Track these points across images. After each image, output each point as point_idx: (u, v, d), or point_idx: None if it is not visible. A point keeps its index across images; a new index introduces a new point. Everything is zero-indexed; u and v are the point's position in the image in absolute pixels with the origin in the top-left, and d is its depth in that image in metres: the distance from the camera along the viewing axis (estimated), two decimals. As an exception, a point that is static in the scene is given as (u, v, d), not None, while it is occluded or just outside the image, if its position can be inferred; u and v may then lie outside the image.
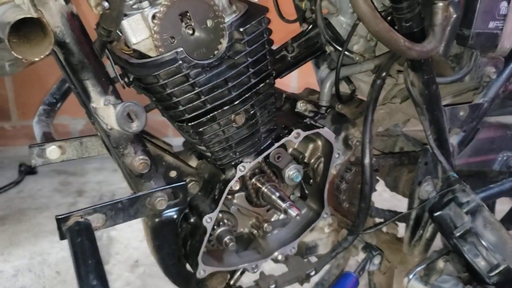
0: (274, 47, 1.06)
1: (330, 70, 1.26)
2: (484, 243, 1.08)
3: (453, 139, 1.25)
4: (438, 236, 1.33)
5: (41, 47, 0.76)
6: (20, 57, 0.74)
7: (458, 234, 1.11)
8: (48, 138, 1.20)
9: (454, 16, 1.03)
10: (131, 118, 0.86)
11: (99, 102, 0.86)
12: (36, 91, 2.96)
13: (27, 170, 2.88)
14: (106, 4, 0.76)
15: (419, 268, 1.20)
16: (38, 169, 2.91)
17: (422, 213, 1.27)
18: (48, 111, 1.33)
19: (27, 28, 0.75)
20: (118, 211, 0.93)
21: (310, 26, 1.22)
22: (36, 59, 0.76)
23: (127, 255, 2.22)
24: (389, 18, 1.07)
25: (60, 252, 2.24)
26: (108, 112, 0.85)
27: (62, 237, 0.89)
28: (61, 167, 2.94)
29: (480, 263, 1.08)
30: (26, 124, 3.07)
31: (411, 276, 1.19)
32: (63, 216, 0.89)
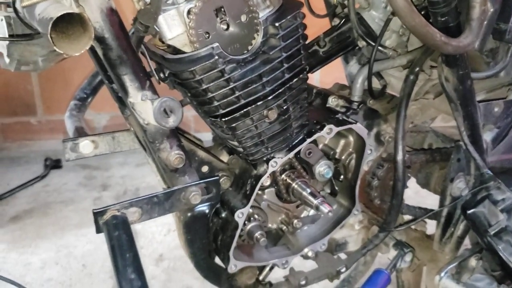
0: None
1: (361, 65, 1.25)
2: (520, 241, 1.07)
3: (487, 136, 1.23)
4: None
5: (81, 42, 0.77)
6: (61, 52, 0.74)
7: (493, 232, 1.09)
8: (80, 132, 1.21)
9: (491, 10, 1.01)
10: (167, 114, 0.86)
11: (137, 97, 0.86)
12: (61, 86, 3.00)
13: (53, 164, 2.93)
14: (147, -1, 0.77)
15: (451, 266, 1.19)
16: (63, 163, 2.95)
17: (453, 211, 1.25)
18: (79, 105, 1.34)
19: (66, 24, 0.76)
20: (154, 205, 0.94)
21: (342, 21, 1.20)
22: (76, 54, 0.77)
23: (152, 249, 2.25)
24: (423, 12, 1.06)
25: (86, 245, 2.27)
26: (145, 107, 0.86)
27: (98, 230, 0.90)
28: (86, 162, 2.97)
29: (516, 262, 1.07)
30: (51, 119, 3.12)
31: (442, 274, 1.18)
32: (100, 210, 0.90)
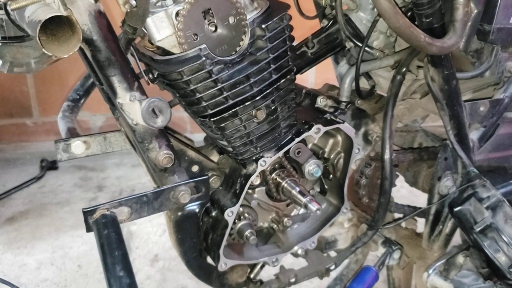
0: (294, 43, 1.07)
1: (349, 66, 1.27)
2: (505, 238, 1.08)
3: (473, 135, 1.25)
4: (457, 232, 1.33)
5: (69, 44, 0.78)
6: (50, 54, 0.76)
7: (479, 229, 1.11)
8: (72, 133, 1.22)
9: (475, 11, 1.03)
10: (156, 114, 0.87)
11: (125, 98, 0.87)
12: (56, 88, 3.01)
13: (49, 166, 2.94)
14: (133, 2, 0.78)
15: (439, 263, 1.21)
16: (59, 164, 2.96)
17: (441, 208, 1.27)
18: (72, 107, 1.36)
19: (55, 26, 0.77)
20: (143, 204, 0.96)
21: (330, 22, 1.22)
22: (65, 56, 0.78)
23: (147, 250, 2.26)
24: (409, 14, 1.08)
25: (81, 246, 2.28)
26: (133, 107, 0.87)
27: (88, 229, 0.91)
28: (81, 163, 2.99)
29: (501, 259, 1.08)
30: (47, 121, 3.12)
31: (431, 271, 1.20)
32: (89, 209, 0.91)
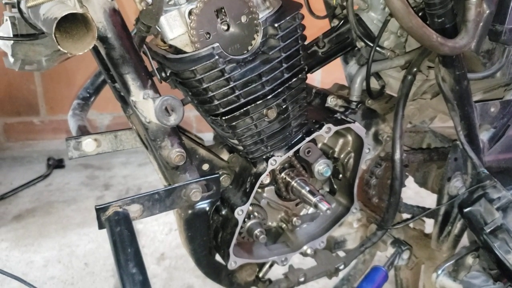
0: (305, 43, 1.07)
1: (360, 66, 1.27)
2: (515, 239, 1.08)
3: (484, 135, 1.24)
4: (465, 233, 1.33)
5: (84, 41, 0.79)
6: (65, 51, 0.76)
7: (489, 230, 1.11)
8: (83, 131, 1.23)
9: (487, 12, 1.03)
10: (169, 112, 0.88)
11: (139, 96, 0.88)
12: (64, 86, 3.02)
13: (55, 164, 2.95)
14: (149, 0, 0.79)
15: (448, 264, 1.21)
16: (65, 163, 2.98)
17: (451, 209, 1.26)
18: (82, 105, 1.36)
19: (69, 24, 0.77)
20: (155, 202, 0.96)
21: (341, 22, 1.22)
22: (80, 53, 0.79)
23: (154, 248, 2.26)
24: (420, 14, 1.08)
25: (87, 244, 2.29)
26: (147, 105, 0.88)
27: (101, 226, 0.92)
28: (88, 161, 2.99)
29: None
30: (54, 119, 3.13)
31: (440, 272, 1.20)
32: (102, 206, 0.91)
